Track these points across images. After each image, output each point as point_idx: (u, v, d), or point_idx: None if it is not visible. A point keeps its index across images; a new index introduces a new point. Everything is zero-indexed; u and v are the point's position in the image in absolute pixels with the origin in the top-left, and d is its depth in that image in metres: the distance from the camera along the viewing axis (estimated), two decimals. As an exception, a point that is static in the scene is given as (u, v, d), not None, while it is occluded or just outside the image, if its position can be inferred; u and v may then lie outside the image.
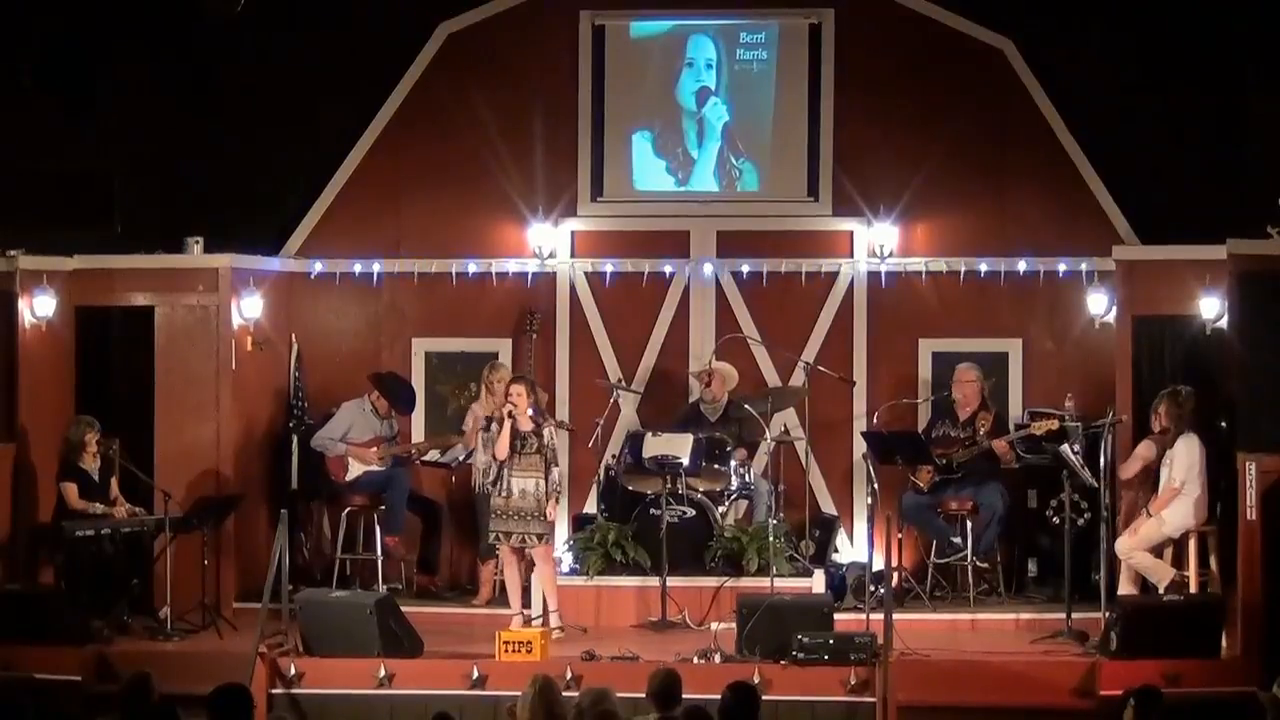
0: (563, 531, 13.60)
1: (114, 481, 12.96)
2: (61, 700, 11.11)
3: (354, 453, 13.61)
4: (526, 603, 12.57)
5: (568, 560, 13.30)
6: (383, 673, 11.37)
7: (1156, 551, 12.30)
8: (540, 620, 12.40)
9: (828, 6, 14.12)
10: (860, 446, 13.42)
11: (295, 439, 13.95)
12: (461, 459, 13.74)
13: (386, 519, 13.58)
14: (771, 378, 14.18)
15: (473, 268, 14.26)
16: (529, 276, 14.30)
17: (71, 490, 12.78)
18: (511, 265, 14.30)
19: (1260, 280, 11.81)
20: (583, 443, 13.73)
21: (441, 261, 14.25)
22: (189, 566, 12.69)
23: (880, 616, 11.47)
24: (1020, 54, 13.91)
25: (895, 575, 12.42)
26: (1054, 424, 12.75)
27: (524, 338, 14.08)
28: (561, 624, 12.38)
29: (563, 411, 14.01)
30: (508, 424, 12.14)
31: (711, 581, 12.91)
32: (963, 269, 14.01)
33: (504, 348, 14.21)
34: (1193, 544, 12.25)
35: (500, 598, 13.31)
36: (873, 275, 14.12)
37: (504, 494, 12.22)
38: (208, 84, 14.27)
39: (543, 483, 12.24)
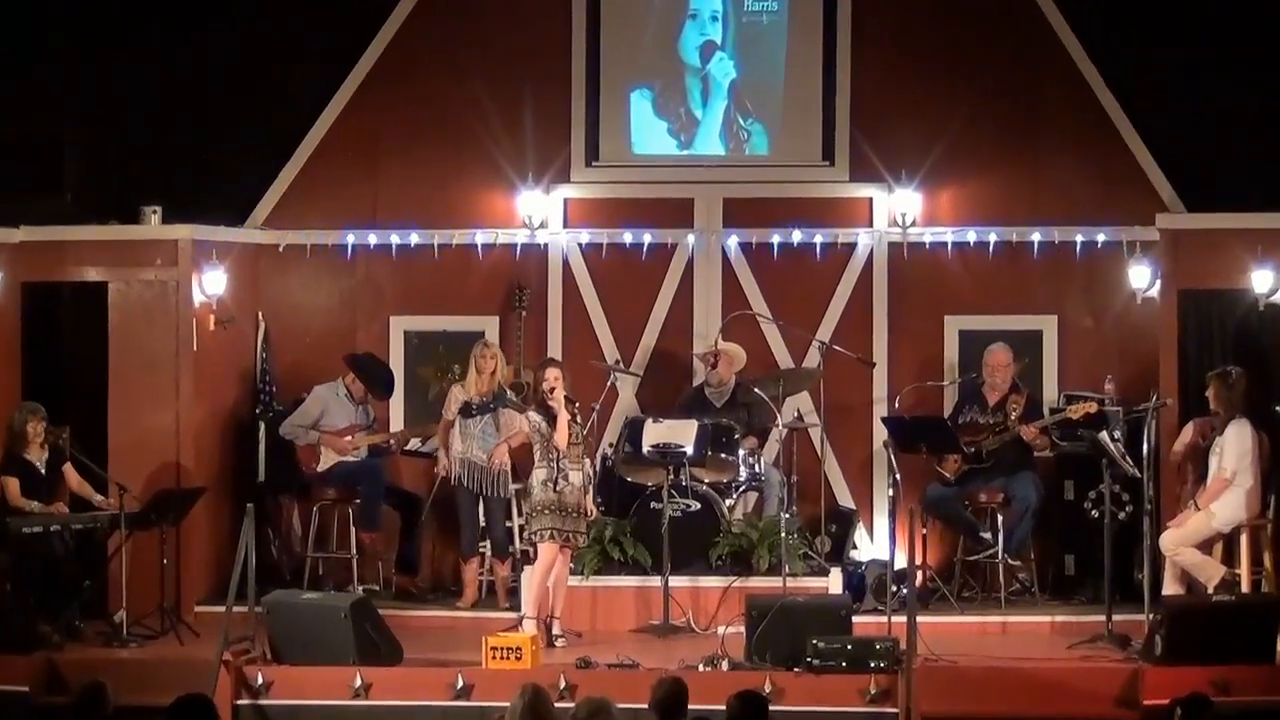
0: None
1: (68, 469, 12.65)
2: (7, 713, 11.00)
3: (327, 441, 13.42)
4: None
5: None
6: (358, 682, 11.15)
7: (1205, 548, 12.10)
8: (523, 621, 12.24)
9: (844, -49, 14.25)
10: (881, 433, 13.32)
11: (262, 426, 13.80)
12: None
13: (362, 514, 13.42)
14: (783, 359, 14.02)
15: (456, 239, 14.12)
16: (517, 248, 14.14)
17: (12, 485, 12.47)
18: (499, 236, 14.14)
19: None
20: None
21: (422, 233, 14.12)
22: (146, 566, 12.50)
23: (903, 619, 11.31)
24: (1054, 2, 13.73)
25: (919, 574, 12.40)
26: (1092, 407, 12.65)
27: (512, 315, 13.93)
28: (563, 631, 12.21)
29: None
30: (564, 413, 11.96)
31: (718, 581, 12.75)
32: (993, 239, 13.86)
33: (490, 326, 14.08)
34: (1244, 539, 12.07)
35: (488, 600, 13.18)
36: (894, 246, 14.00)
37: (558, 488, 12.05)
38: (166, 41, 14.08)
39: (581, 475, 12.19)
